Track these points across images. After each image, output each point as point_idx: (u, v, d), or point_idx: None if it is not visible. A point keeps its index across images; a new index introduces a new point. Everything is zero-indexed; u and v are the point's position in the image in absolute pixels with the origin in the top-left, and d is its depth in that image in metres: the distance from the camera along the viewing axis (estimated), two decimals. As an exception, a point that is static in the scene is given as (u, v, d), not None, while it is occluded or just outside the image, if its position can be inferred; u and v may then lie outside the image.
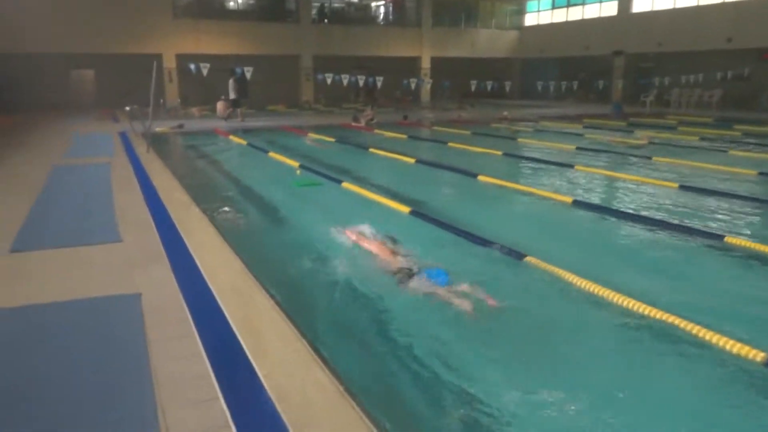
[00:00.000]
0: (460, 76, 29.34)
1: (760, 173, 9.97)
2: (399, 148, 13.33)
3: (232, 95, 20.12)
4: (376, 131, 17.32)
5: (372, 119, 19.18)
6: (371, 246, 5.66)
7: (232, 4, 30.63)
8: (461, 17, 35.65)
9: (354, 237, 5.96)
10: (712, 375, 3.65)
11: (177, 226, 6.29)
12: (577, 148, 13.56)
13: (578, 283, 4.82)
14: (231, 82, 20.08)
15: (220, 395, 3.01)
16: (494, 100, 32.00)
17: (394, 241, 5.74)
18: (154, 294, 4.41)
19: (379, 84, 22.29)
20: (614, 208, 7.96)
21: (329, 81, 20.45)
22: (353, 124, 18.76)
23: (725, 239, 6.10)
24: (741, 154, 12.54)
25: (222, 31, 28.46)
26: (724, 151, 12.88)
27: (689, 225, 6.79)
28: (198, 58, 22.11)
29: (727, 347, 3.76)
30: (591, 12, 33.04)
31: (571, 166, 10.93)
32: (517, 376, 3.64)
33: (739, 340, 3.79)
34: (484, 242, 5.91)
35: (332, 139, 15.08)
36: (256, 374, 3.21)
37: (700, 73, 25.16)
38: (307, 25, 30.79)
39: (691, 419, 3.21)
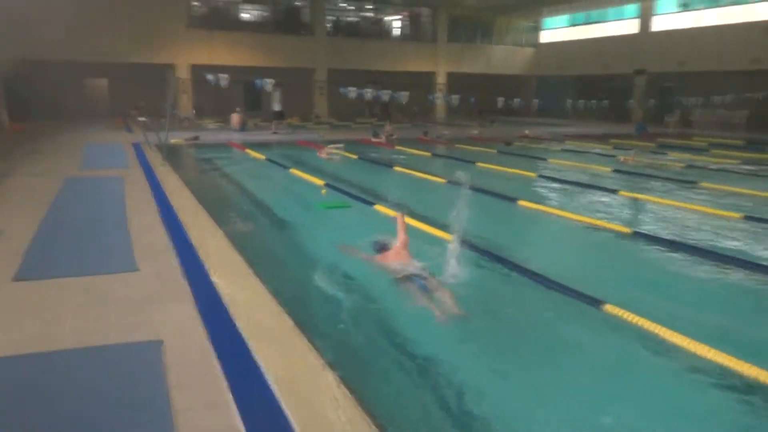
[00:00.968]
0: (474, 92, 28.80)
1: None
2: (425, 167, 12.66)
3: (277, 107, 19.96)
4: (397, 147, 16.69)
5: (392, 135, 18.58)
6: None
7: (246, 15, 30.28)
8: (477, 33, 35.24)
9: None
10: None
11: (198, 252, 5.62)
12: (614, 171, 12.86)
13: (681, 344, 4.06)
14: (277, 93, 19.94)
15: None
16: (509, 117, 31.37)
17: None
18: (176, 341, 3.73)
19: (395, 99, 21.68)
20: (682, 241, 6.90)
21: (354, 95, 19.90)
22: (373, 139, 18.14)
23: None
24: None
25: (236, 42, 28.09)
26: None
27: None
28: (211, 69, 21.61)
29: None
30: (611, 30, 32.51)
31: (613, 191, 10.22)
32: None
33: None
34: (549, 284, 5.17)
35: (354, 156, 14.42)
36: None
37: (724, 93, 24.50)
38: (322, 39, 30.39)
39: None
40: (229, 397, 3.06)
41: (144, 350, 3.65)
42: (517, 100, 24.26)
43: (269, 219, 8.19)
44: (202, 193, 8.81)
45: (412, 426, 3.29)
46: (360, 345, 4.26)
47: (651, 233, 7.29)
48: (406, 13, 34.09)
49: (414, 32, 34.23)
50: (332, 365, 3.40)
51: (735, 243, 6.97)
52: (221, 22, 28.51)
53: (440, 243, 6.49)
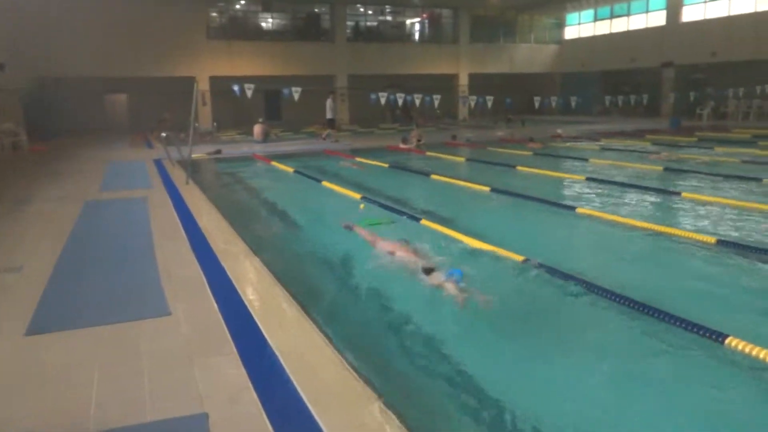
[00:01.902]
0: (498, 92, 27.97)
1: None
2: (462, 174, 11.91)
3: (329, 114, 19.80)
4: (428, 153, 15.94)
5: (420, 140, 17.85)
6: None
7: (265, 24, 29.83)
8: (499, 32, 34.39)
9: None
10: None
11: (237, 287, 4.93)
12: (666, 170, 11.95)
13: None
14: (329, 101, 19.84)
15: None
16: (534, 116, 30.46)
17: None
18: (224, 412, 3.02)
19: (417, 102, 20.91)
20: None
21: (383, 101, 19.36)
22: (402, 146, 17.40)
23: None
24: None
25: (256, 51, 27.68)
26: None
27: None
28: (232, 80, 21.11)
29: None
30: (637, 23, 31.43)
31: (676, 193, 9.34)
32: None
33: None
34: (671, 320, 4.30)
35: (385, 165, 13.67)
36: None
37: (759, 83, 23.46)
38: (342, 45, 29.83)
39: None
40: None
41: (186, 427, 2.95)
42: (552, 98, 23.45)
43: (307, 242, 7.37)
44: (231, 213, 8.11)
45: None
46: (447, 413, 3.51)
47: (738, 241, 6.41)
48: (426, 15, 33.37)
49: (435, 34, 33.49)
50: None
51: None
52: (240, 31, 28.14)
53: (504, 262, 5.72)
